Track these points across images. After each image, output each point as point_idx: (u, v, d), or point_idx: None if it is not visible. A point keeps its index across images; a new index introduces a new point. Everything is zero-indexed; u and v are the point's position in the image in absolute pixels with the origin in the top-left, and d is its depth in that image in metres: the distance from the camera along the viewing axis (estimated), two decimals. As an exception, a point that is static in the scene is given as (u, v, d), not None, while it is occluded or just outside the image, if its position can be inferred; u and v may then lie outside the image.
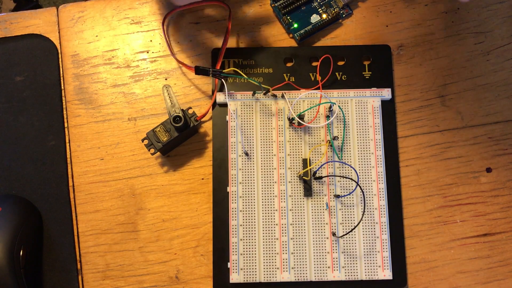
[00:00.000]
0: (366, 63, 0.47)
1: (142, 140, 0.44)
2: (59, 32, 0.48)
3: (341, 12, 0.48)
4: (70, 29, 0.48)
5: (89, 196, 0.45)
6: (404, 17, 0.48)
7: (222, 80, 0.45)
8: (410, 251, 0.45)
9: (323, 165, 0.45)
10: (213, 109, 0.46)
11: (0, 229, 0.41)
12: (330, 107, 0.45)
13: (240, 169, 0.45)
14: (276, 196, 0.44)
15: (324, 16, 0.47)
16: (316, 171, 0.44)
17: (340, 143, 0.45)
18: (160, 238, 0.45)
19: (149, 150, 0.43)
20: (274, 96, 0.46)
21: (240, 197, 0.44)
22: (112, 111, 0.47)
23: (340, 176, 0.44)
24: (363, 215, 0.44)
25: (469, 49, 0.48)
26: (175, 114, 0.43)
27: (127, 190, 0.45)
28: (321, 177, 0.44)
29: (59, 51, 0.48)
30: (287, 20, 0.47)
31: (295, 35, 0.47)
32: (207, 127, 0.46)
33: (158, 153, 0.45)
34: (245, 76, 0.45)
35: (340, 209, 0.44)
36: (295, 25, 0.47)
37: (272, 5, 0.48)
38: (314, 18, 0.47)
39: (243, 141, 0.45)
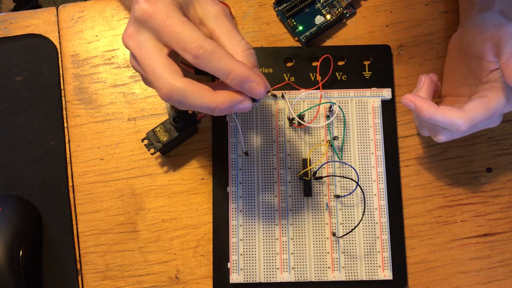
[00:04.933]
0: (366, 63, 0.47)
1: (142, 140, 0.44)
2: (59, 32, 0.48)
3: (345, 11, 0.47)
4: (70, 29, 0.48)
5: (89, 196, 0.45)
6: (404, 17, 0.48)
7: (222, 80, 0.45)
8: (410, 251, 0.44)
9: (323, 165, 0.45)
10: (213, 109, 0.46)
11: (0, 229, 0.41)
12: (330, 107, 0.45)
13: (240, 169, 0.45)
14: (276, 196, 0.44)
15: (328, 16, 0.47)
16: (316, 171, 0.44)
17: (340, 143, 0.45)
18: (160, 238, 0.45)
19: (149, 150, 0.43)
20: (274, 96, 0.46)
21: (240, 197, 0.44)
22: (112, 111, 0.47)
23: (340, 176, 0.44)
24: (363, 215, 0.44)
25: (469, 49, 0.48)
26: (175, 114, 0.43)
27: (127, 190, 0.45)
28: (321, 177, 0.44)
29: (59, 51, 0.47)
30: (292, 23, 0.47)
31: (301, 37, 0.47)
32: (207, 127, 0.46)
33: (158, 153, 0.45)
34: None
35: (340, 209, 0.44)
36: (300, 28, 0.47)
37: (276, 9, 0.47)
38: (319, 19, 0.47)
39: (243, 141, 0.45)
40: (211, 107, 0.32)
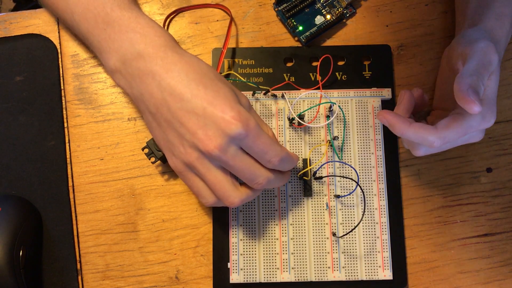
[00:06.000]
0: (366, 63, 0.47)
1: (143, 149, 0.43)
2: (58, 32, 0.48)
3: (345, 11, 0.47)
4: (70, 29, 0.48)
5: (89, 196, 0.45)
6: (404, 17, 0.48)
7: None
8: (410, 251, 0.45)
9: (323, 165, 0.45)
10: (213, 109, 0.46)
11: (0, 229, 0.41)
12: (330, 107, 0.45)
13: (240, 169, 0.45)
14: (276, 196, 0.44)
15: (328, 17, 0.47)
16: (316, 171, 0.44)
17: (340, 143, 0.45)
18: (160, 238, 0.45)
19: (149, 159, 0.43)
20: (274, 96, 0.46)
21: (240, 197, 0.44)
22: (112, 111, 0.47)
23: (340, 176, 0.44)
24: (363, 215, 0.44)
25: (469, 49, 0.48)
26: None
27: (127, 190, 0.45)
28: (321, 177, 0.44)
29: (59, 51, 0.47)
30: (292, 23, 0.47)
31: (301, 37, 0.47)
32: (207, 127, 0.46)
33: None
34: (242, 79, 0.45)
35: (340, 209, 0.44)
36: (300, 28, 0.47)
37: (276, 9, 0.47)
38: (319, 19, 0.47)
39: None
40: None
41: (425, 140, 0.38)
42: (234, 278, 0.43)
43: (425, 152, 0.41)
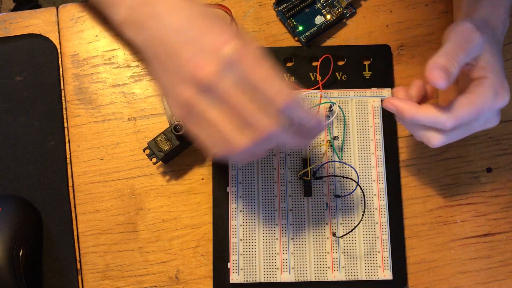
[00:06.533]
0: (366, 63, 0.47)
1: (144, 150, 0.43)
2: (59, 32, 0.48)
3: (345, 11, 0.47)
4: (70, 29, 0.48)
5: (89, 196, 0.45)
6: (404, 17, 0.48)
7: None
8: (410, 251, 0.44)
9: (323, 165, 0.45)
10: (213, 109, 0.46)
11: (0, 229, 0.41)
12: (330, 107, 0.45)
13: (240, 169, 0.45)
14: (276, 196, 0.44)
15: (328, 16, 0.47)
16: (316, 171, 0.44)
17: (340, 143, 0.45)
18: (160, 238, 0.45)
19: (151, 160, 0.43)
20: (274, 96, 0.46)
21: (240, 197, 0.44)
22: (112, 111, 0.47)
23: (340, 176, 0.44)
24: (363, 215, 0.44)
25: (469, 49, 0.48)
26: (176, 123, 0.42)
27: (127, 190, 0.45)
28: (321, 177, 0.44)
29: (59, 51, 0.47)
30: (292, 23, 0.47)
31: (301, 37, 0.47)
32: (207, 127, 0.46)
33: (158, 153, 0.45)
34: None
35: (340, 209, 0.44)
36: (300, 28, 0.47)
37: (276, 9, 0.47)
38: (319, 19, 0.47)
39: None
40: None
41: (437, 121, 0.36)
42: (234, 278, 0.43)
43: (442, 141, 0.38)
